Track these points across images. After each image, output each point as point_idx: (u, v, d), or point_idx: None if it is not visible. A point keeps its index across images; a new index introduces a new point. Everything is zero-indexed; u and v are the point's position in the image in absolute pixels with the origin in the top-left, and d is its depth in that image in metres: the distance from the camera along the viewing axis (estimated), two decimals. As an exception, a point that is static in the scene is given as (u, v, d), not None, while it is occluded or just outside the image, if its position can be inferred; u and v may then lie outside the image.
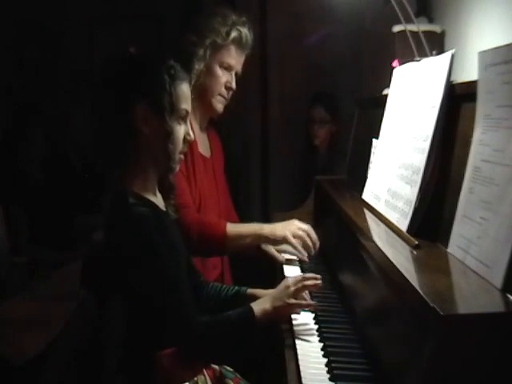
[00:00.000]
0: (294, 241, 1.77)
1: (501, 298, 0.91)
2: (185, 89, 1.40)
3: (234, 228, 1.79)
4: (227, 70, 1.90)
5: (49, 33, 4.23)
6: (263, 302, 1.37)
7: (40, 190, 3.05)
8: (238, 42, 1.89)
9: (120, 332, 1.95)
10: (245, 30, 1.90)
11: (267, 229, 1.79)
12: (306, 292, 1.46)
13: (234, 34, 1.87)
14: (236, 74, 1.93)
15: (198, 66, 1.83)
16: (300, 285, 1.41)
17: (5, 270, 2.57)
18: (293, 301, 1.38)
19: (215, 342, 1.33)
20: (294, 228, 1.79)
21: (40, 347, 2.02)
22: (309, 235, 1.80)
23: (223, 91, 1.91)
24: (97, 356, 2.19)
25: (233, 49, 1.90)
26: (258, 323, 1.33)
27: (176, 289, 1.30)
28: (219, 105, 1.93)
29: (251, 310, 1.34)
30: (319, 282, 1.45)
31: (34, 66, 4.13)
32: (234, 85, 1.92)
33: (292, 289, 1.39)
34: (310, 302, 1.44)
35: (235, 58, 1.91)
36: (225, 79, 1.90)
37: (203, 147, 1.98)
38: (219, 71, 1.89)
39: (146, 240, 1.29)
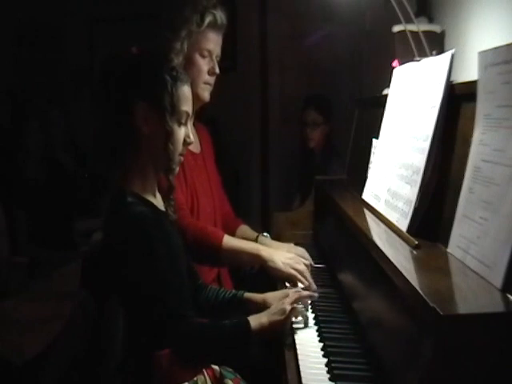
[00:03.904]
0: (293, 272, 1.68)
1: (501, 298, 0.91)
2: (186, 91, 1.40)
3: (231, 241, 1.75)
4: (207, 56, 1.86)
5: (49, 33, 4.23)
6: (260, 316, 1.36)
7: (40, 191, 3.05)
8: (214, 25, 1.83)
9: (120, 332, 1.95)
10: (218, 12, 1.83)
11: (265, 252, 1.72)
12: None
13: (208, 18, 1.81)
14: (217, 57, 1.88)
15: (177, 61, 1.76)
16: (296, 295, 1.42)
17: (5, 270, 2.57)
18: (289, 307, 1.37)
19: (207, 346, 1.32)
20: (293, 262, 1.70)
21: (40, 347, 2.01)
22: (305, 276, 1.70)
23: (207, 78, 1.87)
24: (97, 356, 2.19)
25: (209, 33, 1.84)
26: (253, 336, 1.32)
27: (172, 289, 1.30)
28: (205, 93, 1.88)
29: (248, 322, 1.33)
30: (316, 295, 1.49)
31: (34, 66, 4.13)
32: (217, 69, 1.87)
33: (288, 303, 1.39)
34: (305, 311, 1.44)
35: (213, 42, 1.86)
36: (207, 67, 1.85)
37: (193, 143, 1.97)
38: (200, 60, 1.84)
39: (144, 239, 1.29)
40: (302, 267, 1.70)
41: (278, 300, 1.45)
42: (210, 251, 1.73)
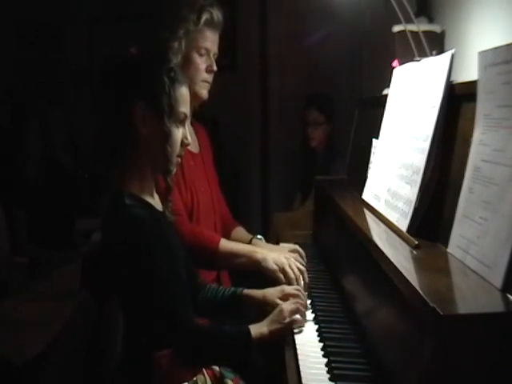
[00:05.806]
0: (280, 276, 1.68)
1: (501, 298, 0.91)
2: (184, 92, 1.40)
3: (227, 245, 1.77)
4: (205, 54, 1.88)
5: (49, 33, 4.22)
6: (261, 325, 1.37)
7: (40, 191, 3.05)
8: (210, 23, 1.86)
9: (120, 332, 1.95)
10: (214, 10, 1.86)
11: (260, 253, 1.74)
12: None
13: (204, 16, 1.83)
14: (214, 55, 1.91)
15: (176, 60, 1.77)
16: (294, 306, 1.42)
17: (5, 270, 2.57)
18: (288, 320, 1.38)
19: (206, 350, 1.33)
20: (285, 266, 1.70)
21: (40, 347, 2.01)
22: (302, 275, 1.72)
23: (205, 76, 1.89)
24: (97, 356, 2.19)
25: (206, 31, 1.86)
26: (253, 345, 1.34)
27: (171, 289, 1.30)
28: (203, 90, 1.90)
29: (249, 331, 1.34)
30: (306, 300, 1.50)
31: (34, 66, 4.12)
32: (214, 67, 1.89)
33: (287, 311, 1.39)
34: (304, 319, 1.45)
35: (210, 40, 1.88)
36: (204, 65, 1.88)
37: (191, 143, 1.97)
38: (197, 58, 1.86)
39: (142, 241, 1.29)
40: (291, 272, 1.69)
41: (275, 297, 1.48)
42: (207, 255, 1.74)
